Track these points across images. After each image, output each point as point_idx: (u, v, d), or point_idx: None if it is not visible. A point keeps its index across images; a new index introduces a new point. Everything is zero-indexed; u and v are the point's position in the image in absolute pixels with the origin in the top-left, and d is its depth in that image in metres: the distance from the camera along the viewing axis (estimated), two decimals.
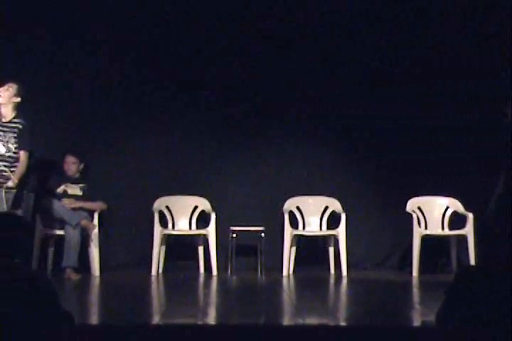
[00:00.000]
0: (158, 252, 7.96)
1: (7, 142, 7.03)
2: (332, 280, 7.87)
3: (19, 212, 6.72)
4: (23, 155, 7.04)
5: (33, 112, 7.89)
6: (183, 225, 8.25)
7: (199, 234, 8.16)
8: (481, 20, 8.70)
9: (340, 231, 8.06)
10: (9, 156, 7.01)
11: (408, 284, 7.61)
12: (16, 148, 7.02)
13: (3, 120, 7.04)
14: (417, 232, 7.95)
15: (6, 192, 6.98)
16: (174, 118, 8.44)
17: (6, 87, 7.03)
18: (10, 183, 6.99)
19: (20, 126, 7.05)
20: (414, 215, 8.05)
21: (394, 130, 8.43)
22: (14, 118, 7.06)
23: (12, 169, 7.00)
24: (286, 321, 6.04)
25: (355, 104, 8.49)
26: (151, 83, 8.46)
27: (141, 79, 8.44)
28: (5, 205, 6.83)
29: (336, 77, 8.62)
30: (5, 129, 7.04)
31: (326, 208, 8.30)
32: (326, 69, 8.63)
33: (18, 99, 7.06)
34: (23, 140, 7.05)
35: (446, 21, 8.77)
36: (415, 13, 8.79)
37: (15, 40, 8.20)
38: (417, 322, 5.84)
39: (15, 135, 7.04)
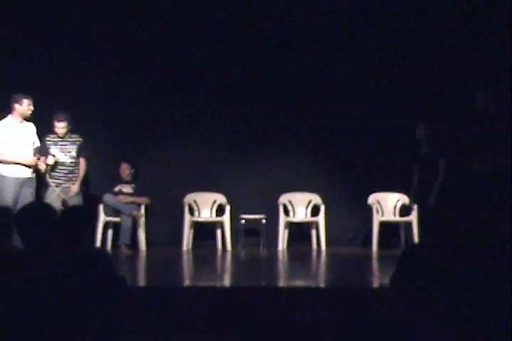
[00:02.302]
0: (187, 233, 7.95)
1: (69, 152, 7.05)
2: (314, 254, 7.84)
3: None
4: (83, 161, 7.12)
5: (95, 130, 7.92)
6: (205, 214, 8.21)
7: (217, 221, 8.13)
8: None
9: (320, 218, 8.04)
10: (71, 162, 7.04)
11: (369, 257, 7.58)
12: (77, 156, 7.05)
13: (65, 137, 7.06)
14: (376, 219, 7.93)
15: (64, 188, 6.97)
16: (200, 135, 8.33)
17: (61, 125, 6.98)
18: (75, 188, 7.01)
19: (81, 139, 7.08)
20: (374, 206, 8.02)
21: (356, 141, 8.30)
22: (72, 134, 7.09)
23: (72, 174, 7.01)
24: (282, 283, 6.00)
25: (340, 116, 8.14)
26: (181, 105, 8.27)
27: (173, 102, 8.25)
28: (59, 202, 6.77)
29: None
30: (66, 143, 7.07)
31: (310, 201, 8.26)
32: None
33: (70, 127, 7.07)
34: (83, 150, 7.10)
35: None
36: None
37: (66, 69, 7.96)
38: (375, 284, 5.81)
39: (76, 146, 7.05)
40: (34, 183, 6.67)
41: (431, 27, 7.88)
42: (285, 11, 7.97)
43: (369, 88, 8.17)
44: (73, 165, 7.09)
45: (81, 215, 3.64)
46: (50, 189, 6.95)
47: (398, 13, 7.96)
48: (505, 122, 6.54)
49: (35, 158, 6.72)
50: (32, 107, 6.66)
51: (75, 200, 6.99)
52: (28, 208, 3.49)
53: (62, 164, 7.04)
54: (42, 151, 6.93)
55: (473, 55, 7.77)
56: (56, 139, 7.07)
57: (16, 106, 6.61)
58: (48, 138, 7.04)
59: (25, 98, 6.61)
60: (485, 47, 7.70)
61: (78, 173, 7.13)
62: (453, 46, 7.90)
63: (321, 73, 8.22)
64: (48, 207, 3.46)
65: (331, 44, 8.17)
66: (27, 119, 6.73)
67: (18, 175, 6.51)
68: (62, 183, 7.02)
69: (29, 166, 6.63)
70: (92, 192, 7.73)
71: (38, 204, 4.50)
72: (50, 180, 6.97)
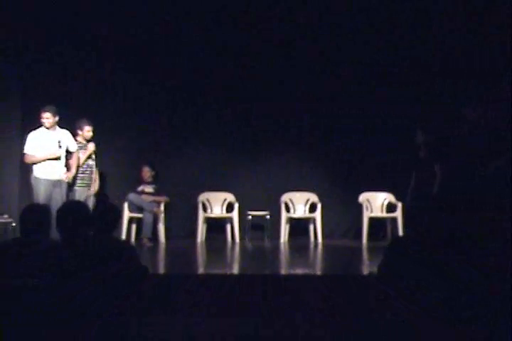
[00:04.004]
0: (201, 228, 7.96)
1: (93, 159, 7.05)
2: (312, 246, 7.84)
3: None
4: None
5: (120, 138, 7.94)
6: (217, 211, 8.22)
7: (227, 217, 8.12)
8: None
9: (317, 215, 8.04)
10: (93, 165, 7.04)
11: (360, 248, 7.56)
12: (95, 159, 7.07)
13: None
14: (366, 215, 7.92)
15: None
16: (212, 141, 8.29)
17: (91, 129, 6.98)
18: (92, 191, 7.03)
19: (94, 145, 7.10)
20: (364, 204, 8.02)
21: (349, 147, 8.20)
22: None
23: (93, 175, 7.00)
24: (283, 271, 6.02)
25: (333, 123, 8.07)
26: (196, 115, 8.21)
27: (189, 112, 8.20)
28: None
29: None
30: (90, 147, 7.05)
31: (308, 199, 8.25)
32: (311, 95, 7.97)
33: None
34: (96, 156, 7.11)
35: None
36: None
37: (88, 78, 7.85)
38: (365, 271, 5.83)
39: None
40: (65, 184, 6.64)
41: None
42: (285, 12, 7.67)
43: (367, 91, 7.99)
44: (95, 167, 7.12)
45: (111, 212, 3.68)
46: (79, 189, 6.94)
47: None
48: (501, 128, 6.35)
49: (59, 151, 6.59)
50: (46, 118, 6.55)
51: (93, 200, 7.02)
52: (65, 206, 3.54)
53: (89, 166, 7.06)
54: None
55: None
56: (81, 144, 7.06)
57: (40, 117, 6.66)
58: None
59: (42, 111, 6.57)
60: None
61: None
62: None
63: (321, 75, 8.04)
64: (83, 205, 3.51)
65: (329, 45, 7.96)
66: (60, 126, 6.69)
67: (49, 177, 6.51)
68: (88, 183, 7.02)
69: (60, 170, 6.61)
70: (117, 192, 7.76)
71: (74, 202, 4.54)
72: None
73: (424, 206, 6.76)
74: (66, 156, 6.72)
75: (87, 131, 7.01)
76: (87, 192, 6.95)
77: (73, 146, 6.81)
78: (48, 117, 6.57)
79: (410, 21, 7.69)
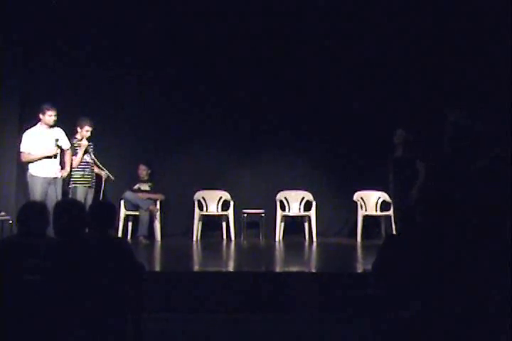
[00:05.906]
0: (197, 226, 7.94)
1: (90, 154, 7.03)
2: (306, 244, 7.83)
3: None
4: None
5: (116, 137, 7.91)
6: (212, 209, 8.21)
7: (223, 215, 8.11)
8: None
9: (312, 213, 8.02)
10: (92, 163, 7.03)
11: (354, 246, 7.56)
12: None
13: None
14: (360, 213, 7.92)
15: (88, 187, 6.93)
16: (208, 140, 8.25)
17: (91, 129, 6.94)
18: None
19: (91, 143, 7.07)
20: (358, 202, 8.02)
21: (343, 146, 8.15)
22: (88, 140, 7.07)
23: (93, 173, 6.99)
24: (278, 269, 6.03)
25: (330, 123, 8.06)
26: (191, 115, 8.15)
27: (184, 111, 8.12)
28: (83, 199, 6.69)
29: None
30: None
31: (303, 198, 8.24)
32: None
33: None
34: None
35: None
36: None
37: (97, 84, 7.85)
38: (360, 269, 5.83)
39: (92, 150, 7.04)
40: (60, 182, 6.64)
41: (424, 31, 7.40)
42: (284, 13, 7.65)
43: (362, 90, 7.93)
44: (94, 165, 7.10)
45: (107, 210, 3.66)
46: (80, 187, 6.91)
47: (385, 13, 7.55)
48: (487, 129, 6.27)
49: (56, 148, 6.63)
50: (54, 117, 6.60)
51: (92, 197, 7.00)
52: (60, 204, 3.52)
53: (88, 164, 7.04)
54: (73, 152, 6.93)
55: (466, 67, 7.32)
56: (79, 142, 7.04)
57: (41, 115, 6.63)
58: (74, 142, 7.03)
59: (48, 109, 6.59)
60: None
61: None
62: (446, 57, 7.47)
63: (316, 76, 7.98)
64: (78, 204, 3.50)
65: (327, 45, 7.91)
66: (54, 125, 6.70)
67: (45, 175, 6.51)
68: (89, 180, 6.99)
69: (55, 168, 6.61)
70: (114, 190, 7.74)
71: (69, 200, 4.52)
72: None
73: (412, 205, 6.74)
74: (60, 154, 6.72)
75: (86, 130, 6.99)
76: (89, 190, 6.92)
77: (66, 144, 6.82)
78: (54, 115, 6.61)
79: (400, 21, 7.69)
